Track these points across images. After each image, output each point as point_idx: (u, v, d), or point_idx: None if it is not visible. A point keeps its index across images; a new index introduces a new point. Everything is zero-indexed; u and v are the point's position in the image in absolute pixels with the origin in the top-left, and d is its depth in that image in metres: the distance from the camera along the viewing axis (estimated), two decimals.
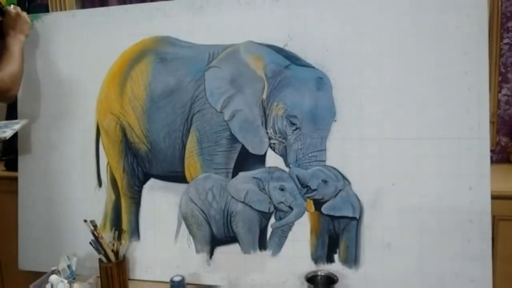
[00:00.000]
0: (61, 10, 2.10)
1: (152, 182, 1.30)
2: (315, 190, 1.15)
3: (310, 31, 1.15)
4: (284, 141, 1.17)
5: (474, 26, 1.05)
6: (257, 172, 1.19)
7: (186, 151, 1.25)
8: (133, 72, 1.29)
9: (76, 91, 1.35)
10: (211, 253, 1.25)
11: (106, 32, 1.32)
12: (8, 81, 1.22)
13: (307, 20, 1.16)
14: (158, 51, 1.27)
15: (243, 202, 1.20)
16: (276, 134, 1.18)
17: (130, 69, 1.29)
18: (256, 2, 1.20)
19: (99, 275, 1.25)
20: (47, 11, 2.10)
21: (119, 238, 1.27)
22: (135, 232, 1.31)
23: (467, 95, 1.06)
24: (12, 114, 1.60)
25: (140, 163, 1.31)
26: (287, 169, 1.18)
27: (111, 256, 1.23)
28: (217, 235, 1.24)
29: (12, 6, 1.32)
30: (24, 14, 1.33)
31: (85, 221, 1.21)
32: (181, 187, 1.26)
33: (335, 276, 1.11)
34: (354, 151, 1.13)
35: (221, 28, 1.22)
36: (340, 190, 1.14)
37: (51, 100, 1.37)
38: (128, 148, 1.31)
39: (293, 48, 1.17)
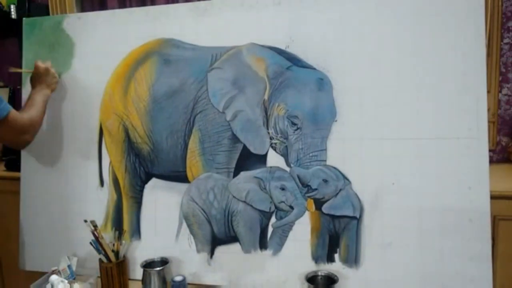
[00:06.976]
0: (61, 10, 2.12)
1: (154, 181, 1.31)
2: (315, 189, 1.16)
3: (311, 33, 1.17)
4: (285, 141, 1.18)
5: (472, 27, 1.07)
6: (258, 172, 1.20)
7: (188, 151, 1.26)
8: (137, 73, 1.30)
9: (80, 92, 1.36)
10: (211, 253, 1.25)
11: (111, 34, 1.34)
12: (27, 124, 1.18)
13: (308, 23, 1.18)
14: (162, 52, 1.29)
15: (244, 202, 1.21)
16: (278, 134, 1.19)
17: (134, 71, 1.31)
18: (258, 5, 1.22)
19: (99, 275, 1.25)
20: (47, 11, 2.13)
21: (119, 238, 1.27)
22: (136, 231, 1.32)
23: (466, 96, 1.07)
24: None
25: (142, 163, 1.31)
26: (288, 169, 1.19)
27: (111, 256, 1.23)
28: (218, 235, 1.25)
29: (41, 61, 1.30)
30: (52, 70, 1.31)
31: (85, 221, 1.22)
32: (183, 186, 1.26)
33: (335, 276, 1.11)
34: (354, 151, 1.14)
35: (224, 30, 1.24)
36: (340, 190, 1.15)
37: (55, 100, 1.38)
38: (130, 148, 1.32)
39: (294, 49, 1.18)
